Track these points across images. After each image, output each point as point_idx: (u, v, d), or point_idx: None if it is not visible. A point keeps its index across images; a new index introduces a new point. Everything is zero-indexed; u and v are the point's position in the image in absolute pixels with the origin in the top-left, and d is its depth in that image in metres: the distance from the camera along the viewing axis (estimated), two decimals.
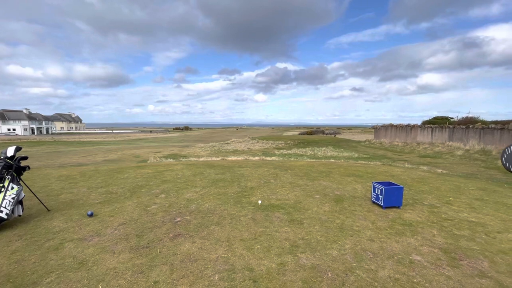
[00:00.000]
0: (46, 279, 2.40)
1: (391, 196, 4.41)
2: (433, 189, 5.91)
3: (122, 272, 2.50)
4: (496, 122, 18.27)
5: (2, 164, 3.72)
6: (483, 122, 19.57)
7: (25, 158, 4.16)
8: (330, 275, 2.51)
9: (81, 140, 41.70)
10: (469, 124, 18.91)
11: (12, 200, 3.51)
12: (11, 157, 3.90)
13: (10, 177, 3.68)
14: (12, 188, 3.60)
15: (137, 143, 33.55)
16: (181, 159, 12.63)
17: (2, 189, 3.50)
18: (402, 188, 4.51)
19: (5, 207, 3.41)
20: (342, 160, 12.23)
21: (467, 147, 16.54)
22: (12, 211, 3.51)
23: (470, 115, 22.72)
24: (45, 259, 2.73)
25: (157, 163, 10.13)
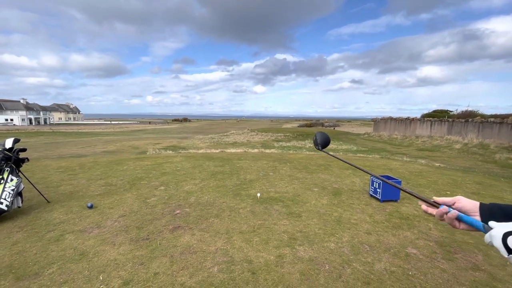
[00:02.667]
0: (47, 270, 2.43)
1: (389, 190, 4.45)
2: (430, 182, 5.96)
3: (122, 264, 2.54)
4: (495, 116, 18.28)
5: (0, 156, 3.72)
6: (482, 116, 19.58)
7: (24, 150, 4.15)
8: (327, 267, 2.55)
9: (79, 131, 41.53)
10: (468, 117, 18.92)
11: (11, 192, 3.52)
12: (10, 149, 3.89)
13: (9, 169, 3.68)
14: (12, 180, 3.61)
15: (135, 134, 33.46)
16: (180, 151, 12.63)
17: (2, 181, 3.50)
18: (400, 182, 4.55)
19: (5, 199, 3.42)
20: (341, 153, 12.27)
21: (466, 141, 16.60)
22: (12, 202, 3.53)
23: (469, 109, 22.72)
24: (46, 251, 2.76)
25: (156, 155, 10.13)
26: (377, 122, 27.98)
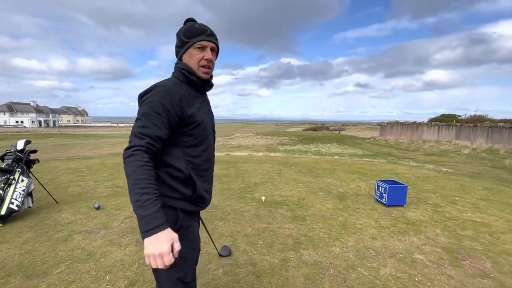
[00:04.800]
0: (56, 269, 2.48)
1: (395, 195, 4.41)
2: (437, 188, 5.88)
3: (129, 264, 2.58)
4: (505, 121, 17.97)
5: (12, 157, 3.82)
6: (491, 120, 19.26)
7: (35, 151, 4.25)
8: (332, 271, 2.54)
9: (87, 133, 42.23)
10: (477, 122, 18.62)
11: (22, 193, 3.61)
12: (21, 150, 4.00)
13: (20, 170, 3.77)
14: (22, 180, 3.70)
15: None
16: None
17: (13, 182, 3.60)
18: (406, 186, 4.51)
19: (16, 199, 3.51)
20: (346, 157, 12.20)
21: (474, 146, 16.32)
22: (22, 203, 3.61)
23: (478, 113, 22.38)
24: (54, 250, 2.82)
25: None
26: (383, 126, 27.74)
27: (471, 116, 22.69)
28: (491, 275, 2.55)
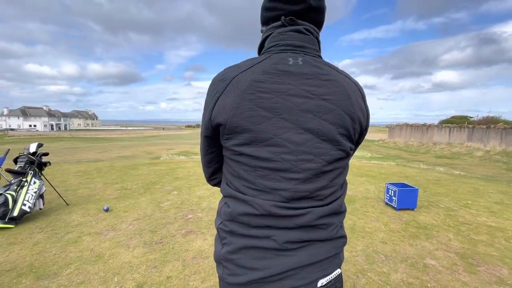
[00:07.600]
0: (65, 270, 2.51)
1: (405, 198, 4.31)
2: (449, 191, 5.73)
3: (136, 266, 2.59)
4: None
5: (25, 159, 3.92)
6: (506, 122, 18.69)
7: (46, 154, 4.35)
8: None
9: (97, 136, 43.04)
10: (490, 124, 18.11)
11: (34, 194, 3.68)
12: (33, 153, 4.09)
13: (32, 172, 3.86)
14: (34, 182, 3.78)
15: (150, 140, 34.27)
16: (192, 156, 12.80)
17: (25, 184, 3.68)
18: (417, 189, 4.40)
19: (28, 201, 3.58)
20: (354, 160, 12.03)
21: (488, 148, 15.86)
22: (34, 204, 3.69)
23: (491, 115, 21.77)
24: (64, 251, 2.86)
25: (169, 160, 10.32)
26: (392, 129, 27.30)
27: (483, 117, 22.08)
28: (508, 282, 2.45)
